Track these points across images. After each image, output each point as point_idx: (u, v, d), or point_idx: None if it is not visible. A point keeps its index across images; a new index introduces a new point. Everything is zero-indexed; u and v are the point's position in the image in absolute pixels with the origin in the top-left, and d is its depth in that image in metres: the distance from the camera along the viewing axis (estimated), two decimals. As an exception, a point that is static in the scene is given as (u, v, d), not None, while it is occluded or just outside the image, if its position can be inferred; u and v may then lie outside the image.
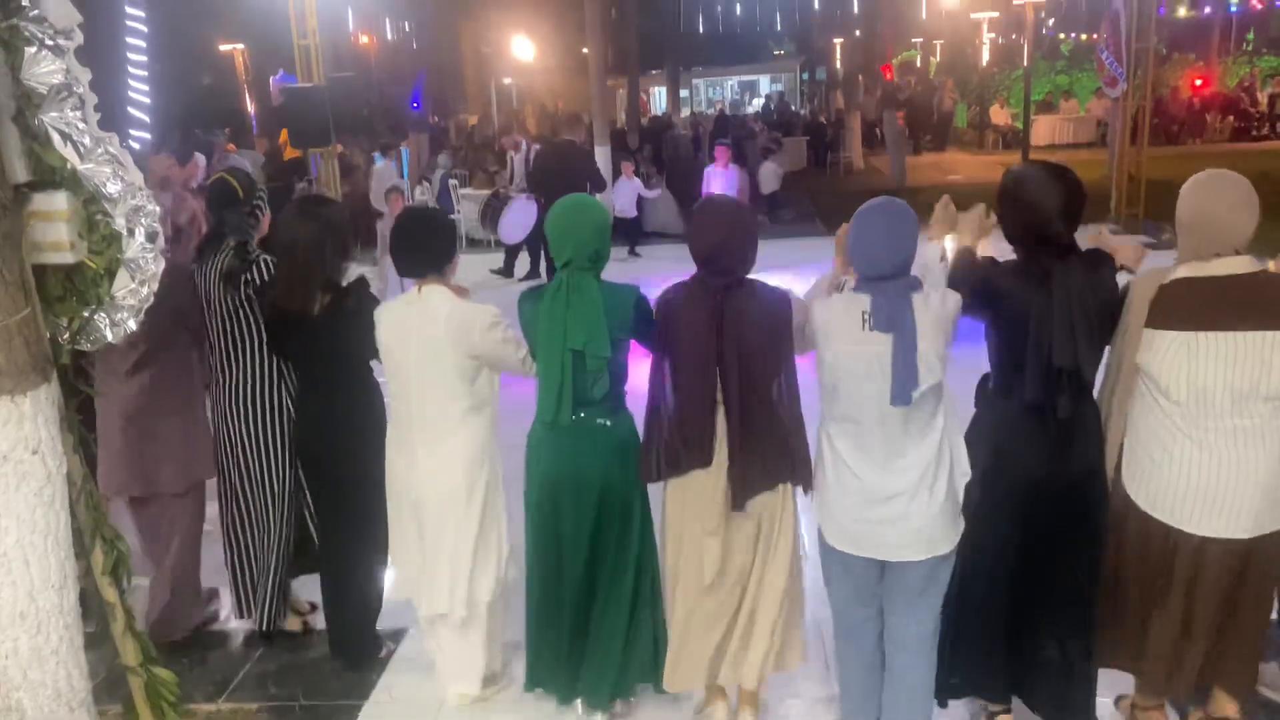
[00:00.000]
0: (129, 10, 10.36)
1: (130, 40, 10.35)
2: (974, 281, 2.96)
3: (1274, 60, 25.99)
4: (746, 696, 3.24)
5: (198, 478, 3.88)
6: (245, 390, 3.69)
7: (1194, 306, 2.72)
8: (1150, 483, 2.86)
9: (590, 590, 3.22)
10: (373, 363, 3.49)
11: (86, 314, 2.55)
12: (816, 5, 29.38)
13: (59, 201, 2.39)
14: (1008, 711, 3.18)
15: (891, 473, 2.79)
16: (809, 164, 22.29)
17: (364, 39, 24.78)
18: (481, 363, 3.21)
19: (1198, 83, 24.33)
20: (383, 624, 3.93)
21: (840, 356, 2.80)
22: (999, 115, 24.70)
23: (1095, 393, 2.98)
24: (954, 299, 2.82)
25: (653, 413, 3.05)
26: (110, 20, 10.71)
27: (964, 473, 2.87)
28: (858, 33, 26.37)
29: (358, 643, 3.75)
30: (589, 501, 3.12)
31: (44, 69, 2.31)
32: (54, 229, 2.40)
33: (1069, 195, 2.80)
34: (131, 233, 2.49)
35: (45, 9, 2.30)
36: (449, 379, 3.19)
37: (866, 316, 2.75)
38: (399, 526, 3.41)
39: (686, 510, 3.04)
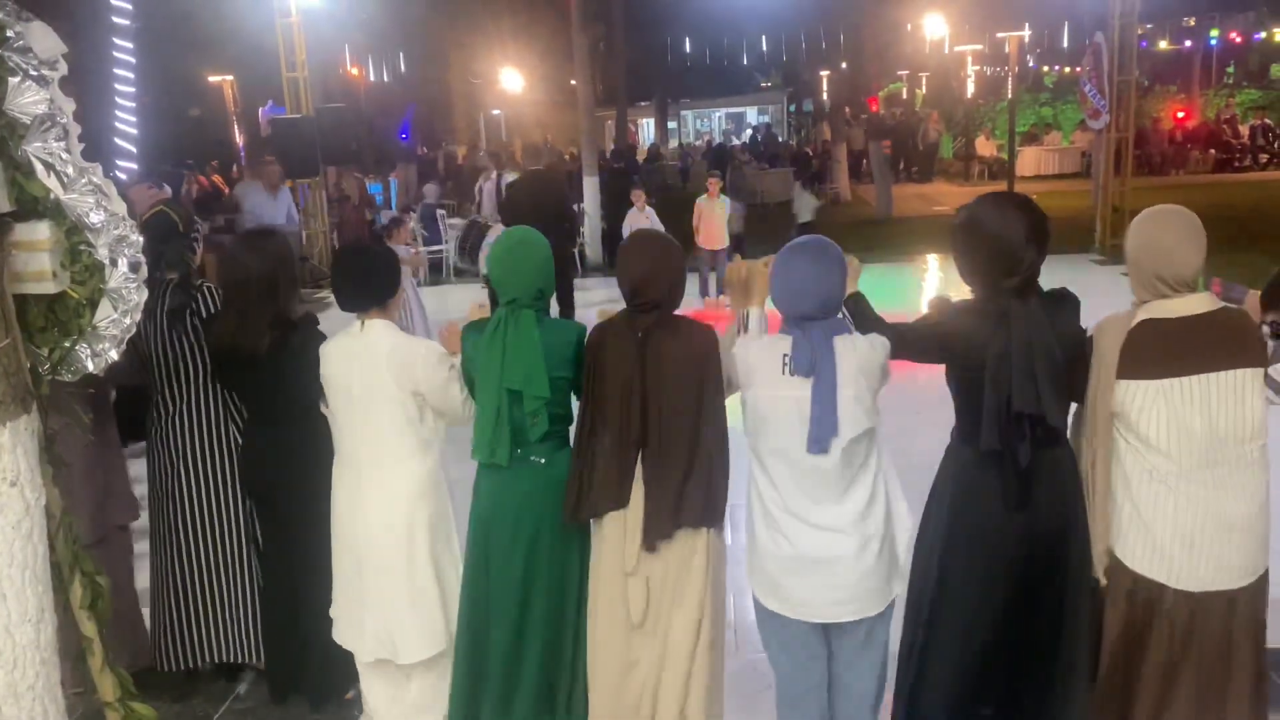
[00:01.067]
0: (117, 42, 10.40)
1: (118, 71, 10.37)
2: (926, 323, 2.85)
3: (1254, 93, 26.36)
4: None
5: (114, 523, 3.78)
6: (191, 424, 3.61)
7: (1166, 351, 2.62)
8: (1135, 538, 2.71)
9: (519, 633, 3.09)
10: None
11: (68, 344, 2.53)
12: (803, 38, 29.69)
13: (41, 231, 2.37)
14: None
15: (817, 527, 2.63)
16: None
17: (353, 71, 24.92)
18: (423, 401, 3.16)
19: (1179, 115, 24.65)
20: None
21: (761, 401, 2.68)
22: (984, 147, 24.94)
23: (1069, 439, 2.85)
24: (881, 343, 2.69)
25: (577, 451, 2.96)
26: (98, 52, 10.75)
27: (905, 527, 2.74)
28: (844, 65, 26.61)
29: (312, 683, 3.65)
30: (521, 542, 3.04)
31: (28, 99, 2.30)
32: (36, 259, 2.39)
33: (1033, 227, 2.67)
34: (114, 263, 2.47)
35: (30, 39, 2.30)
36: (390, 415, 3.14)
37: (787, 359, 2.62)
38: (340, 566, 3.32)
39: (606, 550, 2.93)
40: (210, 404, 3.63)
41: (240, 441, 3.64)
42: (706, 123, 39.19)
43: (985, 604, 2.79)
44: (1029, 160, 23.72)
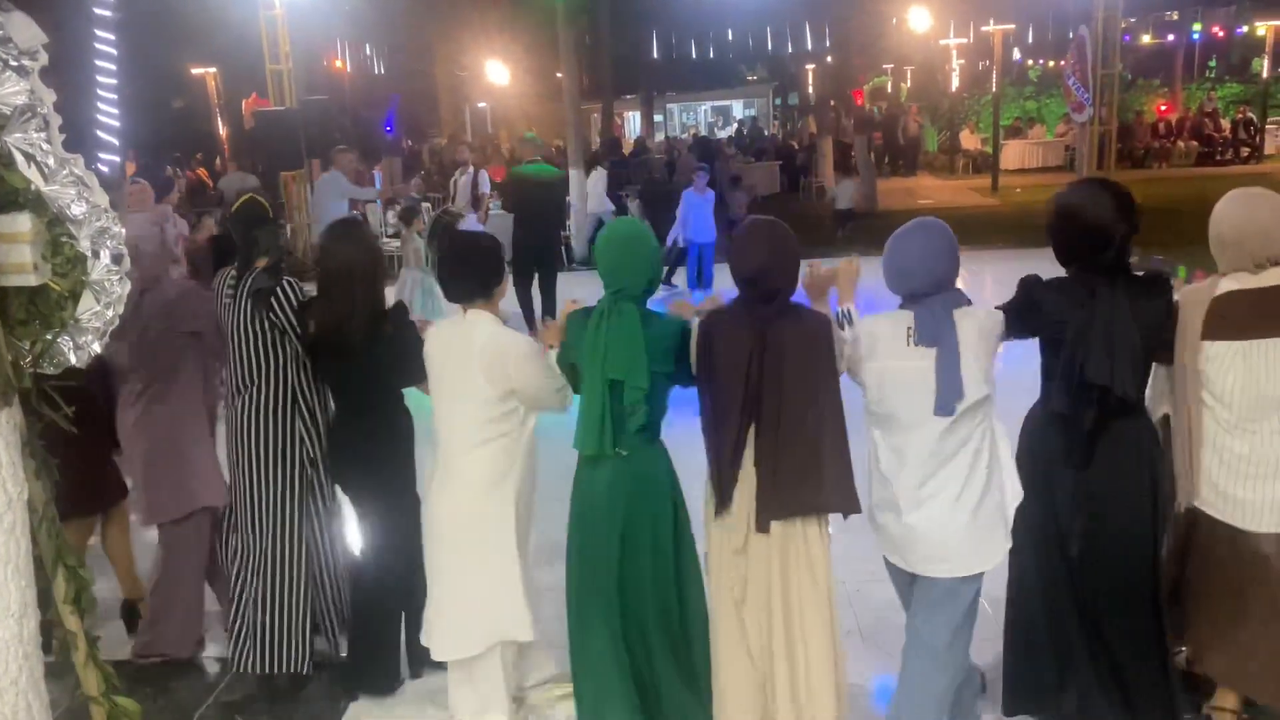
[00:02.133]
0: (98, 33, 10.33)
1: (99, 63, 10.30)
2: (1017, 295, 3.05)
3: (1236, 87, 26.50)
4: None
5: (200, 505, 3.86)
6: (260, 411, 3.60)
7: (1247, 316, 2.90)
8: (1213, 487, 3.00)
9: (638, 628, 3.12)
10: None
11: (50, 337, 2.51)
12: (789, 31, 29.67)
13: (22, 223, 2.35)
14: None
15: (928, 486, 2.85)
16: (782, 188, 22.44)
17: (337, 63, 24.78)
18: (516, 397, 3.16)
19: (1162, 108, 24.76)
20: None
21: (886, 372, 2.88)
22: (969, 140, 24.99)
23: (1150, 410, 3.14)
24: (997, 316, 2.94)
25: (709, 440, 3.00)
26: (79, 43, 10.65)
27: (1015, 494, 2.92)
28: (829, 59, 26.62)
29: (379, 671, 3.64)
30: (615, 532, 3.06)
31: (8, 90, 2.28)
32: (17, 251, 2.37)
33: (1120, 209, 2.92)
34: (96, 255, 2.46)
35: (10, 30, 2.28)
36: (474, 404, 3.15)
37: (911, 332, 2.85)
38: (431, 553, 3.33)
39: (716, 536, 3.02)
40: (279, 391, 3.60)
41: (312, 433, 3.62)
42: (692, 116, 39.10)
43: (1063, 564, 3.07)
44: (1013, 154, 23.79)
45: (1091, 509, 3.01)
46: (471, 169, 12.76)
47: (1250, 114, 24.05)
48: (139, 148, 15.16)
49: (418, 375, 3.38)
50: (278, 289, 3.54)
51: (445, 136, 25.74)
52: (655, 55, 31.60)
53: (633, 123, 34.25)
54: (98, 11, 10.58)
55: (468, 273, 3.24)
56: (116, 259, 2.49)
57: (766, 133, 30.13)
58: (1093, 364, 2.87)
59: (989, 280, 9.65)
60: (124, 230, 2.52)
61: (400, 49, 28.24)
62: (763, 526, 2.90)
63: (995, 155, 21.41)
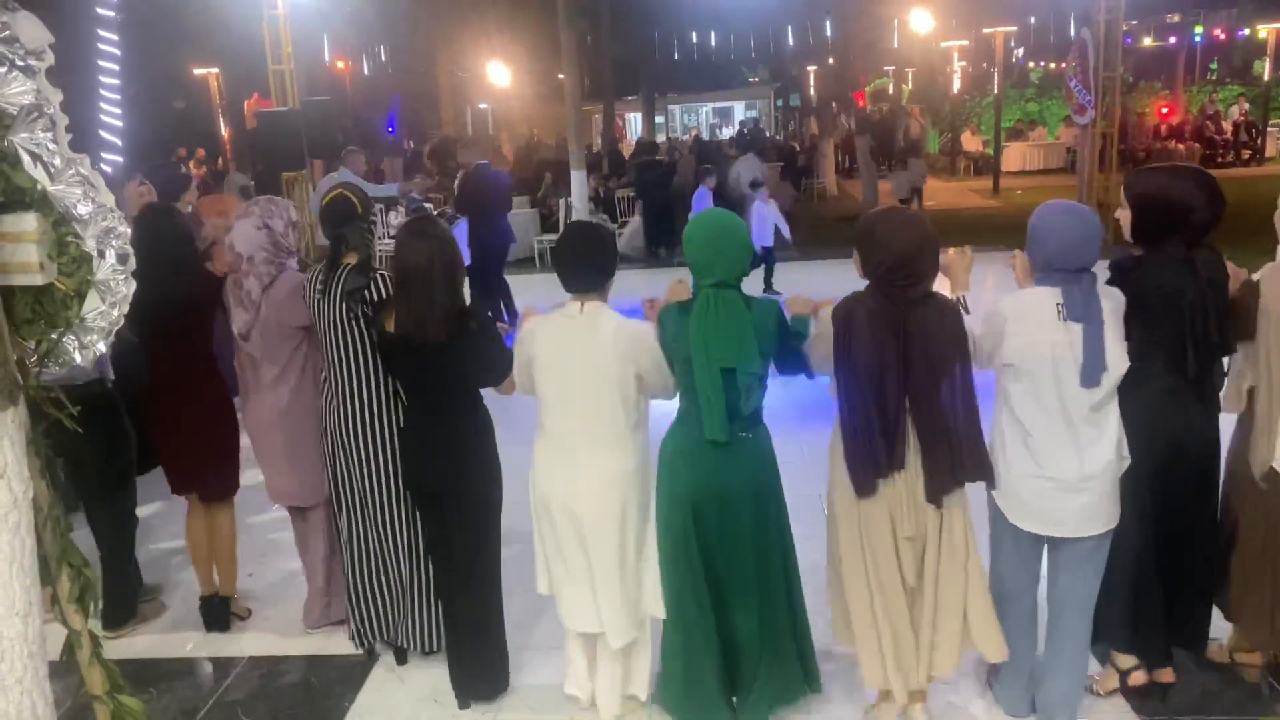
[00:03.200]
0: (102, 34, 10.34)
1: (103, 64, 10.31)
2: (1119, 275, 3.19)
3: (1237, 89, 26.52)
4: (917, 695, 3.26)
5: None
6: (360, 406, 3.62)
7: None
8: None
9: (741, 607, 3.21)
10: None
11: (55, 336, 2.52)
12: (791, 33, 29.71)
13: (28, 222, 2.36)
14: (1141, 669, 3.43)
15: (1079, 456, 3.02)
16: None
17: (339, 64, 24.82)
18: (641, 382, 3.20)
19: (1164, 110, 24.76)
20: (348, 650, 3.94)
21: (1032, 345, 3.02)
22: (970, 142, 25.02)
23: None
24: (1121, 295, 3.11)
25: (849, 427, 3.06)
26: (83, 43, 10.67)
27: (1125, 457, 3.10)
28: (831, 60, 26.63)
29: (489, 677, 3.62)
30: (737, 516, 3.14)
31: (14, 89, 2.28)
32: (23, 250, 2.37)
33: (1202, 187, 3.15)
34: (102, 254, 2.46)
35: (16, 29, 2.29)
36: (611, 396, 3.16)
37: (1060, 308, 3.00)
38: (549, 543, 3.32)
39: (874, 518, 3.07)
40: (379, 390, 3.63)
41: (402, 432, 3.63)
42: (694, 117, 39.15)
43: (1161, 517, 3.29)
44: (1014, 156, 23.81)
45: (1197, 463, 3.26)
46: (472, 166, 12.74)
47: (1249, 115, 24.05)
48: (141, 148, 15.17)
49: (501, 373, 3.38)
50: (371, 285, 3.55)
51: (450, 133, 25.75)
52: (656, 56, 31.63)
53: (634, 124, 34.27)
54: (100, 12, 10.60)
55: (587, 263, 3.20)
56: (122, 258, 2.49)
57: (769, 134, 30.15)
58: (1212, 327, 3.11)
59: (990, 281, 9.63)
60: (129, 230, 2.53)
61: (402, 50, 28.30)
62: (933, 498, 3.03)
63: (996, 157, 21.41)
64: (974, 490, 3.13)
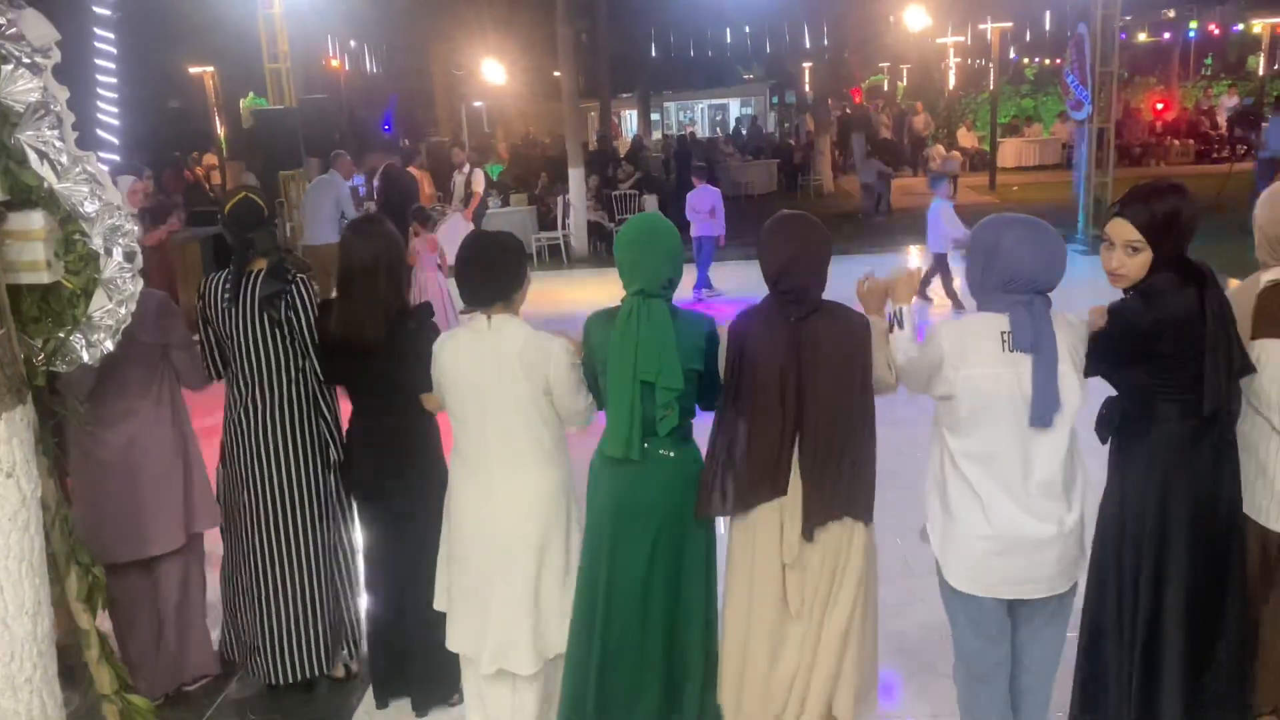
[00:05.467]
0: (98, 32, 10.31)
1: (99, 62, 10.27)
2: (1118, 328, 2.71)
3: (1229, 85, 26.59)
4: None
5: (195, 529, 3.66)
6: (282, 417, 3.48)
7: None
8: (1256, 493, 2.86)
9: (645, 631, 3.01)
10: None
11: (62, 335, 2.52)
12: (786, 30, 29.70)
13: (35, 220, 2.36)
14: None
15: (1027, 506, 2.65)
16: (780, 187, 22.47)
17: (333, 63, 24.75)
18: (552, 398, 3.03)
19: (1159, 106, 24.80)
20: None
21: (975, 379, 2.65)
22: (965, 138, 25.01)
23: None
24: (1082, 320, 2.73)
25: (721, 444, 2.88)
26: (79, 42, 10.63)
27: (1092, 514, 2.77)
28: (826, 57, 26.64)
29: (416, 687, 3.54)
30: (647, 537, 2.95)
31: (21, 87, 2.28)
32: (30, 248, 2.37)
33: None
34: (109, 252, 2.46)
35: (23, 27, 2.28)
36: (525, 416, 3.00)
37: (1006, 336, 2.63)
38: (461, 570, 3.15)
39: (759, 543, 2.87)
40: (299, 395, 3.50)
41: (336, 436, 3.55)
42: (689, 114, 39.15)
43: (1169, 578, 2.77)
44: (1010, 152, 23.81)
45: (1218, 515, 2.78)
46: (468, 167, 12.74)
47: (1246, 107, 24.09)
48: (136, 147, 15.13)
49: (425, 380, 3.22)
50: (292, 289, 3.44)
51: (443, 136, 25.72)
52: (653, 54, 31.62)
53: (630, 121, 34.25)
54: (97, 10, 10.55)
55: (490, 275, 3.02)
56: (129, 256, 2.49)
57: (765, 130, 30.17)
58: (1238, 355, 2.68)
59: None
60: (137, 228, 2.53)
61: (397, 48, 28.24)
62: (808, 535, 2.80)
63: (993, 153, 21.42)
64: (922, 558, 2.78)
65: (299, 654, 3.58)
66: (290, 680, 3.59)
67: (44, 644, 2.40)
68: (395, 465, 3.41)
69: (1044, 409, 2.59)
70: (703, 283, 10.97)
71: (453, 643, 3.19)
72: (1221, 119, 24.28)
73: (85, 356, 2.55)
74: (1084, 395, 2.66)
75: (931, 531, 2.84)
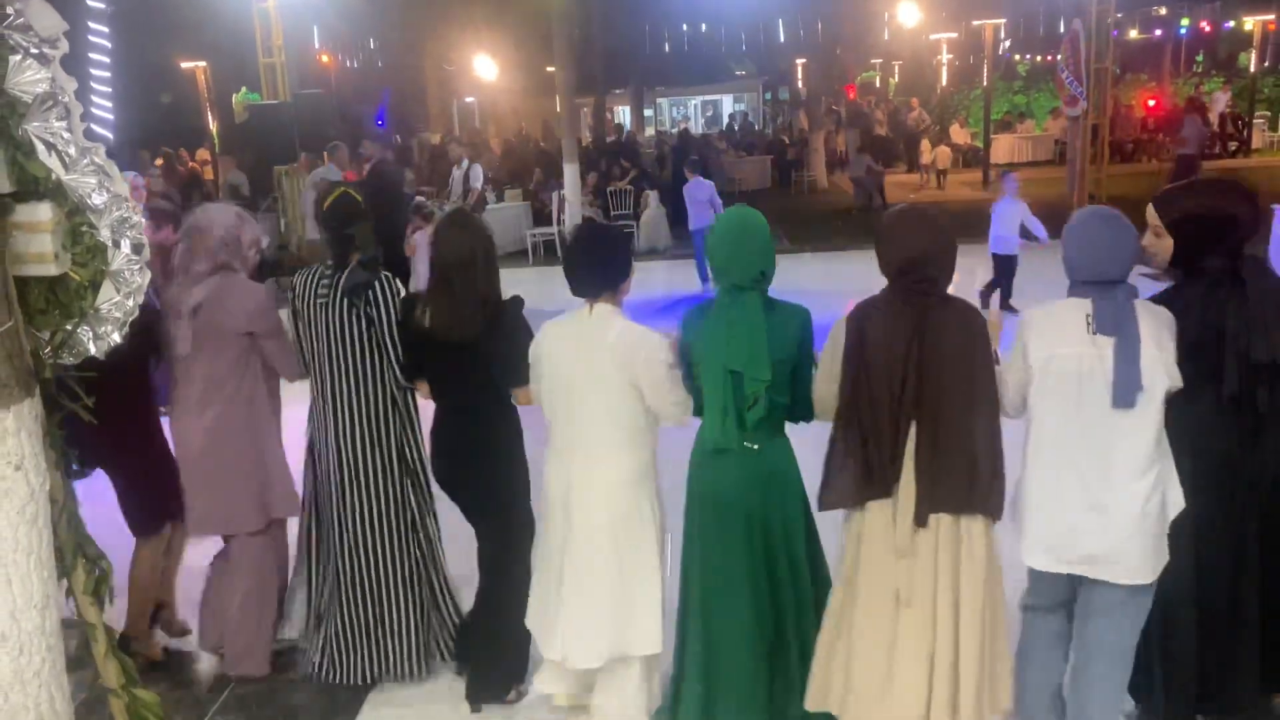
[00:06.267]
0: (92, 25, 10.26)
1: (94, 56, 10.22)
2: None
3: (1221, 81, 26.66)
4: None
5: (274, 516, 3.73)
6: (361, 414, 3.48)
7: None
8: None
9: (754, 622, 3.03)
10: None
11: (70, 327, 2.50)
12: (780, 26, 29.74)
13: (43, 212, 2.34)
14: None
15: (1103, 486, 2.74)
16: (773, 183, 22.49)
17: (324, 58, 24.68)
18: (639, 393, 3.04)
19: (1150, 103, 24.86)
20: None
21: (1057, 360, 2.78)
22: (959, 134, 25.05)
23: None
24: (1168, 314, 2.83)
25: (839, 435, 2.86)
26: (73, 36, 10.53)
27: (1176, 503, 2.80)
28: (819, 54, 26.64)
29: (503, 681, 3.53)
30: (738, 528, 2.99)
31: (28, 77, 2.27)
32: (37, 240, 2.36)
33: (1256, 204, 2.99)
34: (117, 244, 2.45)
35: (30, 17, 2.27)
36: (608, 404, 3.04)
37: (1090, 319, 2.76)
38: (544, 552, 3.20)
39: (870, 532, 2.86)
40: (383, 393, 3.49)
41: (416, 436, 3.54)
42: (682, 110, 39.13)
43: (1226, 548, 2.98)
44: (1002, 148, 23.85)
45: (1263, 490, 2.97)
46: (466, 161, 12.73)
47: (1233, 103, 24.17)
48: (129, 143, 15.07)
49: (522, 373, 3.24)
50: (376, 283, 3.44)
51: (434, 131, 25.67)
52: (646, 50, 31.59)
53: (623, 117, 34.27)
54: (91, 4, 10.50)
55: (597, 265, 3.07)
56: (136, 249, 2.48)
57: (757, 127, 30.18)
58: (1256, 344, 2.83)
59: (980, 275, 9.64)
60: (144, 220, 2.51)
61: (389, 43, 28.17)
62: (921, 520, 2.77)
63: (986, 149, 21.45)
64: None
65: (392, 653, 3.59)
66: (369, 681, 3.62)
67: (52, 638, 2.39)
68: (480, 461, 3.39)
69: (1126, 390, 2.69)
70: (706, 276, 11.00)
71: (530, 625, 3.29)
72: (1214, 115, 24.35)
73: (93, 349, 2.54)
74: (1170, 380, 2.74)
75: (1012, 511, 2.90)
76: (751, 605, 3.03)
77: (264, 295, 3.60)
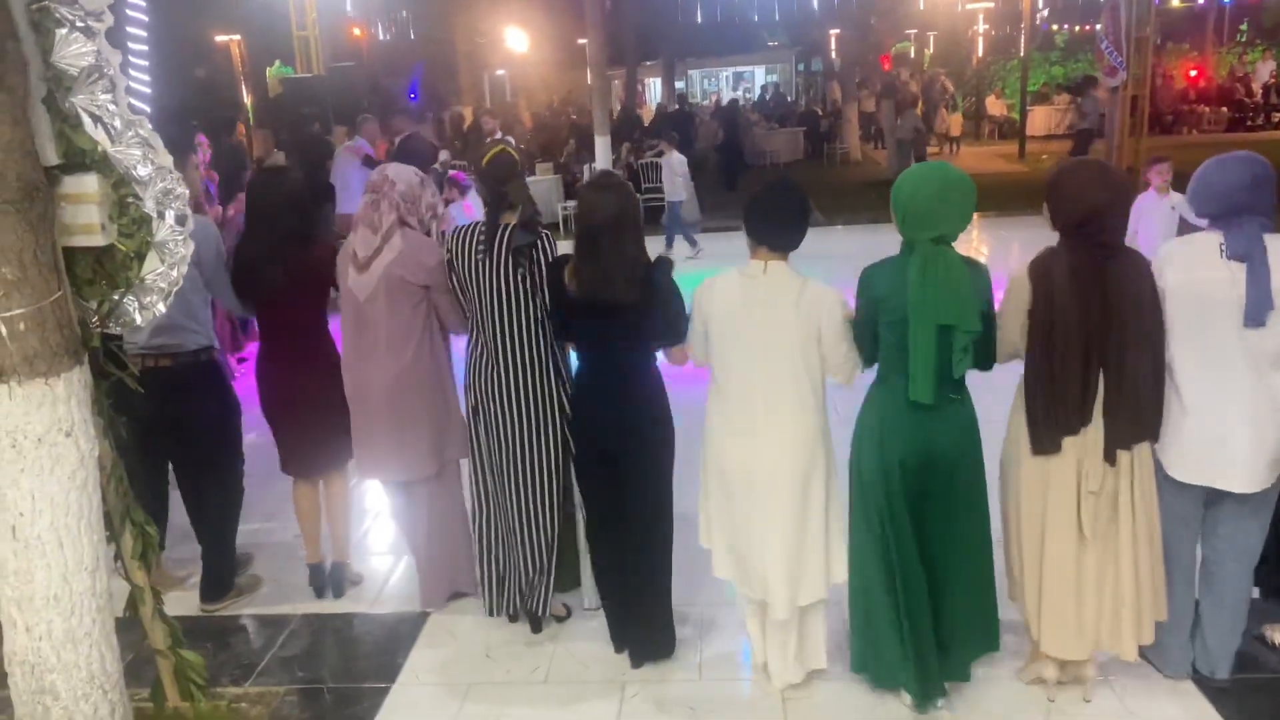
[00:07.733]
0: (130, 0, 10.33)
1: (131, 30, 10.29)
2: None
3: (1264, 50, 26.08)
4: (1078, 664, 3.23)
5: (450, 458, 3.90)
6: (517, 368, 3.55)
7: None
8: None
9: (939, 570, 3.15)
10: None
11: (116, 297, 2.55)
12: (812, -4, 29.40)
13: (89, 184, 2.39)
14: None
15: (1238, 402, 2.98)
16: (805, 154, 22.32)
17: (356, 31, 24.67)
18: (819, 349, 3.12)
19: (1192, 73, 24.40)
20: (401, 607, 3.99)
21: (1192, 284, 3.00)
22: (994, 106, 24.74)
23: None
24: None
25: (1034, 383, 3.03)
26: (113, 10, 10.60)
27: None
28: (853, 24, 26.31)
29: (661, 639, 3.63)
30: (946, 480, 3.09)
31: (74, 50, 2.30)
32: (84, 211, 2.40)
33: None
34: (161, 215, 2.49)
35: (76, -10, 2.29)
36: (793, 359, 3.10)
37: (1222, 247, 2.97)
38: (727, 506, 3.25)
39: (1055, 473, 3.04)
40: (538, 346, 3.55)
41: (565, 393, 3.60)
42: (714, 82, 38.84)
43: None
44: (1039, 120, 23.55)
45: None
46: (499, 134, 12.73)
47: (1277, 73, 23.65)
48: (164, 117, 15.15)
49: (681, 333, 3.30)
50: (539, 243, 3.48)
51: (465, 105, 25.63)
52: (678, 20, 31.33)
53: (654, 89, 34.03)
54: (128, -22, 10.57)
55: (793, 222, 3.12)
56: (181, 220, 2.52)
57: (789, 99, 29.91)
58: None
59: (1016, 247, 9.57)
60: (188, 191, 2.55)
61: (421, 15, 28.11)
62: (1111, 459, 2.98)
63: (1022, 121, 21.17)
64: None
65: (528, 590, 3.77)
66: (513, 614, 3.87)
67: (101, 599, 2.46)
68: (632, 425, 3.41)
69: (1257, 310, 2.91)
70: (671, 243, 11.74)
71: (719, 570, 3.37)
72: (1256, 86, 23.85)
73: (138, 319, 2.59)
74: None
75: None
76: (932, 558, 3.15)
77: (441, 252, 3.69)
